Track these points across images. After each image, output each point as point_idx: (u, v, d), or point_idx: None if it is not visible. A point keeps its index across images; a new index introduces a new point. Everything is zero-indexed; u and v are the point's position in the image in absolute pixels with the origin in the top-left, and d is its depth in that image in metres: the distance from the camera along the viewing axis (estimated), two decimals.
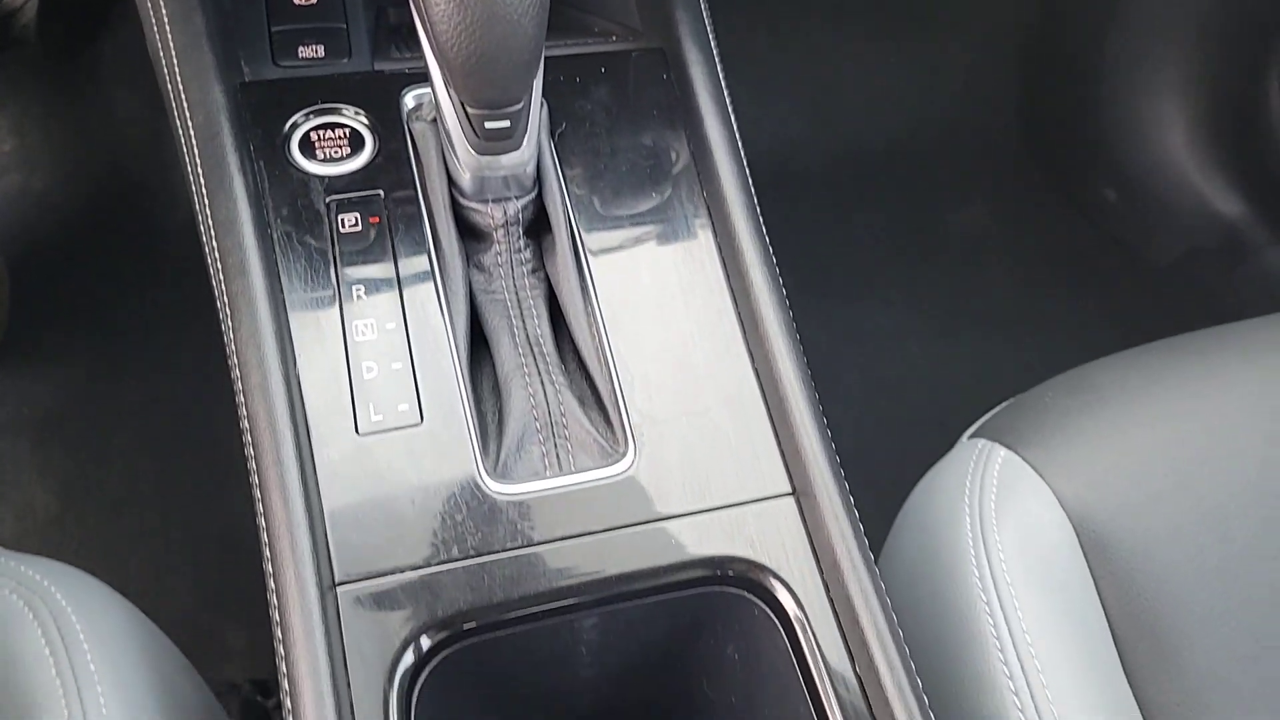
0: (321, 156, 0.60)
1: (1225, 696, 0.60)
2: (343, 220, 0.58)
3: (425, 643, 0.47)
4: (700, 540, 0.51)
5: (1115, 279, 1.51)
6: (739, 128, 0.66)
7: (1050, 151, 1.57)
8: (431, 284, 0.57)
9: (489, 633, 0.49)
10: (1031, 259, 1.52)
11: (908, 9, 1.55)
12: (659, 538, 0.51)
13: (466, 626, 0.48)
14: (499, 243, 0.60)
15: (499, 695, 0.54)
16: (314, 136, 0.60)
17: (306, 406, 0.52)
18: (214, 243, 0.57)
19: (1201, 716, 0.59)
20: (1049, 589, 0.59)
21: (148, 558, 1.18)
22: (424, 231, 0.58)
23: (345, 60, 0.63)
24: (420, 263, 0.58)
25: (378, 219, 0.59)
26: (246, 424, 0.51)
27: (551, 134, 0.63)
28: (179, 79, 0.61)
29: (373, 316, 0.56)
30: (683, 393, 0.56)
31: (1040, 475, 0.65)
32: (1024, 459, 0.66)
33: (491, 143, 0.55)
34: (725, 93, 0.67)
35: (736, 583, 0.52)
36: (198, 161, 0.59)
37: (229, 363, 0.54)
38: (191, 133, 0.60)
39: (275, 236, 0.57)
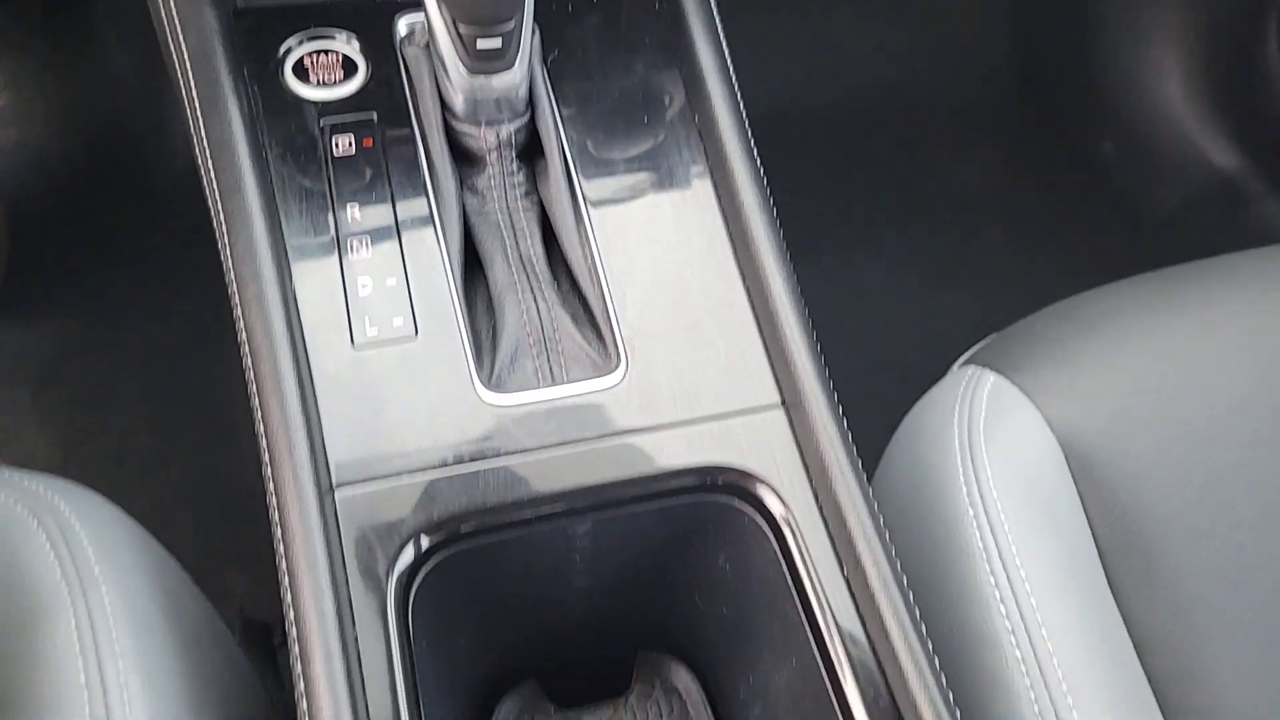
0: (315, 81, 0.60)
1: (1209, 613, 0.61)
2: (336, 143, 0.59)
3: (423, 543, 0.48)
4: (691, 449, 0.52)
5: (1112, 231, 1.51)
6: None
7: (1047, 103, 1.57)
8: (425, 203, 0.58)
9: (484, 536, 0.50)
10: (1027, 211, 1.52)
11: None
12: (650, 446, 0.52)
13: (463, 529, 0.49)
14: (492, 165, 0.61)
15: (494, 602, 0.55)
16: (307, 62, 0.60)
17: (302, 320, 0.53)
18: (209, 163, 0.57)
19: (1185, 631, 0.60)
20: (1035, 505, 0.60)
21: (148, 506, 1.19)
22: (417, 153, 0.59)
23: None
24: (414, 183, 0.58)
25: (371, 142, 0.59)
26: (244, 336, 0.52)
27: (544, 60, 0.63)
28: (173, 5, 0.61)
29: (367, 235, 0.56)
30: (674, 309, 0.56)
31: (1029, 398, 0.66)
32: (1013, 383, 0.66)
33: (483, 63, 0.55)
34: (718, 23, 0.67)
35: (726, 490, 0.52)
36: (192, 85, 0.59)
37: (225, 280, 0.55)
38: (185, 56, 0.60)
39: (270, 158, 0.57)
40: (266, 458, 0.49)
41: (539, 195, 0.61)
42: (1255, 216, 1.47)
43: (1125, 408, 0.66)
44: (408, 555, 0.48)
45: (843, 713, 0.48)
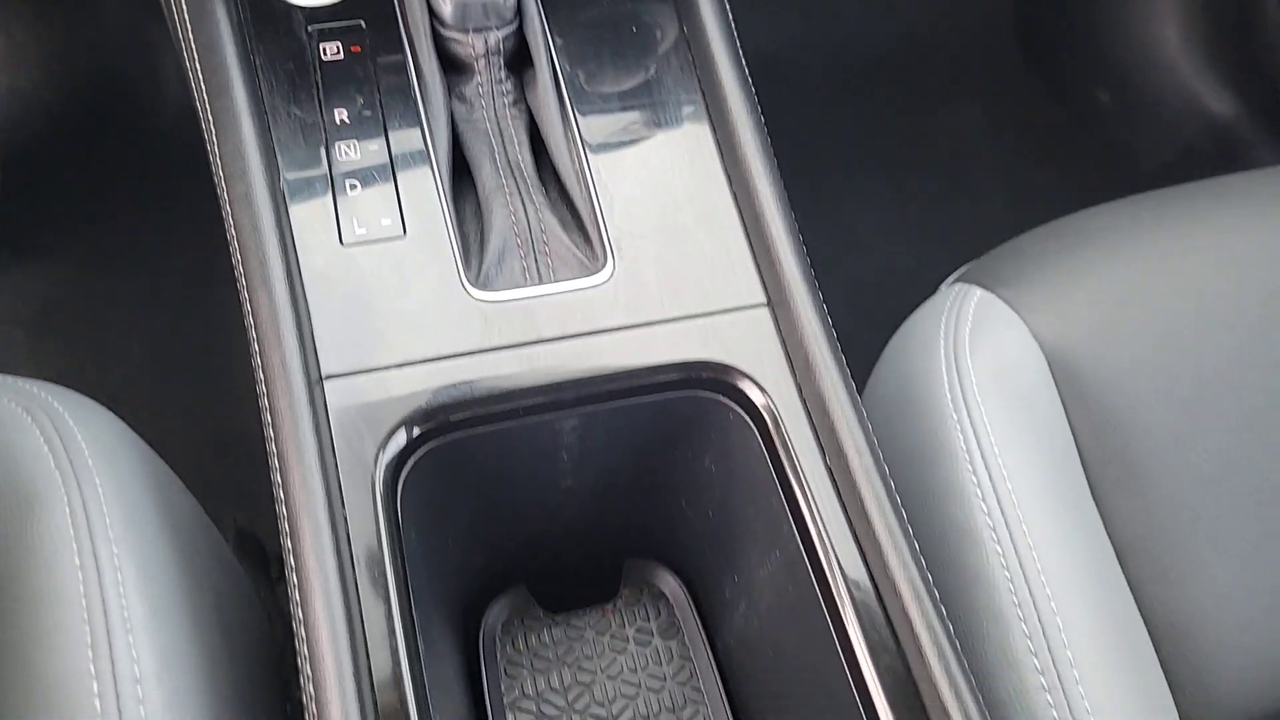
0: None
1: (1189, 517, 0.62)
2: (324, 49, 0.59)
3: (413, 432, 0.49)
4: (676, 345, 0.53)
5: (1107, 180, 1.51)
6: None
7: (1042, 52, 1.56)
8: (413, 108, 0.58)
9: (471, 428, 0.51)
10: (1022, 160, 1.52)
11: None
12: (636, 343, 0.53)
13: (451, 419, 0.50)
14: (480, 73, 0.61)
15: (481, 501, 0.56)
16: None
17: (291, 219, 0.53)
18: (197, 67, 0.57)
19: (1164, 535, 0.61)
20: (1018, 410, 0.61)
21: None
22: (405, 58, 0.59)
23: None
24: (401, 88, 0.58)
25: (359, 48, 0.59)
26: (232, 233, 0.52)
27: None
28: None
29: (355, 138, 0.57)
30: (661, 212, 0.57)
31: (1015, 310, 0.66)
32: (999, 296, 0.67)
33: None
34: None
35: (711, 386, 0.53)
36: None
37: (214, 181, 0.55)
38: None
39: (258, 64, 0.57)
40: (255, 348, 0.50)
41: (527, 104, 0.62)
42: (1251, 164, 1.47)
43: (1110, 319, 0.66)
44: (396, 444, 0.49)
45: (825, 598, 0.49)
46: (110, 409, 1.22)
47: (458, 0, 0.58)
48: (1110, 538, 0.61)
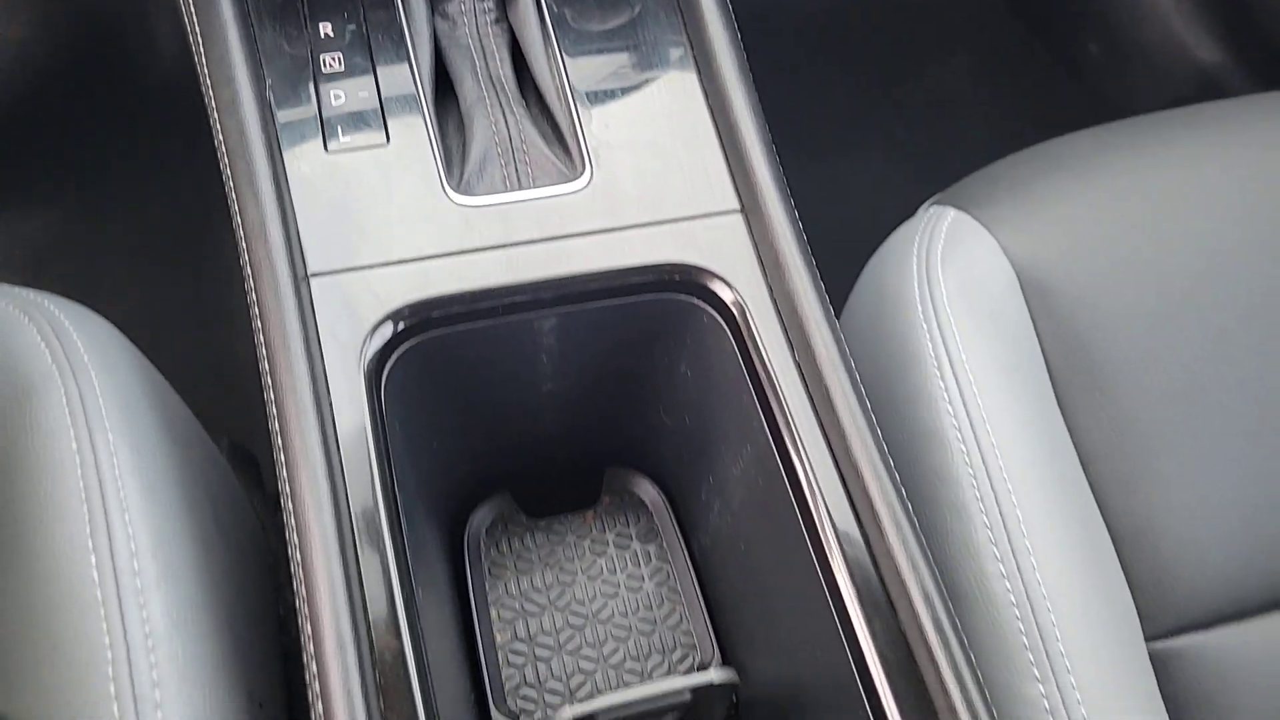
0: None
1: (1152, 425, 0.64)
2: None
3: (399, 325, 0.51)
4: (652, 248, 0.55)
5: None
6: None
7: (1032, 4, 1.56)
8: (397, 22, 0.59)
9: (452, 325, 0.53)
10: (1012, 112, 1.53)
11: None
12: (613, 245, 0.54)
13: (433, 315, 0.52)
14: None
15: (464, 399, 0.58)
16: None
17: (277, 127, 0.55)
18: None
19: (1127, 442, 0.63)
20: (987, 321, 0.63)
21: None
22: None
23: None
24: (385, 3, 0.60)
25: None
26: (220, 138, 0.54)
27: None
28: None
29: (339, 50, 0.58)
30: (638, 123, 0.58)
31: (987, 229, 0.68)
32: (973, 216, 0.69)
33: None
34: None
35: (685, 288, 0.55)
36: None
37: (201, 88, 0.57)
38: None
39: None
40: (243, 247, 0.51)
41: (509, 23, 0.63)
42: None
43: (1081, 239, 0.68)
44: (380, 337, 0.51)
45: (792, 487, 0.51)
46: None
47: None
48: (1075, 445, 0.63)
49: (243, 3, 0.58)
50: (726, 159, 0.58)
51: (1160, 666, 0.59)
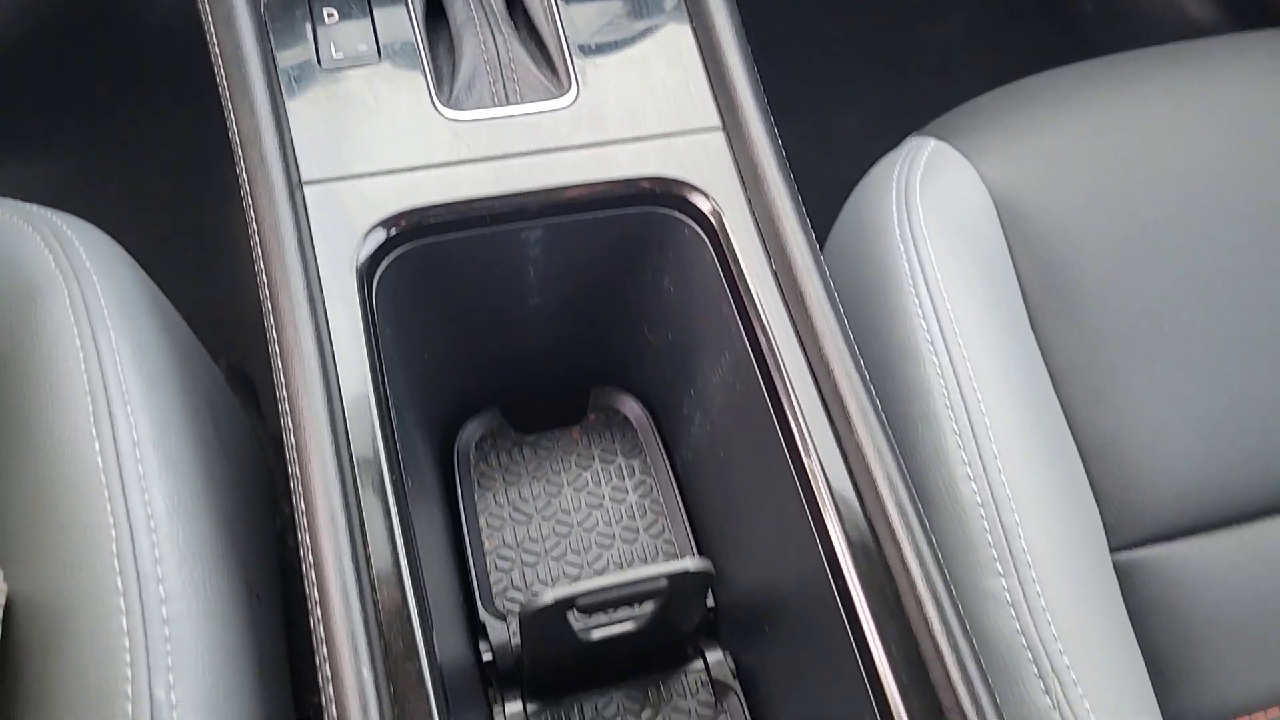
0: None
1: (1121, 344, 0.66)
2: None
3: (391, 231, 0.53)
4: (636, 163, 0.56)
5: None
6: None
7: None
8: None
9: (441, 233, 0.54)
10: (1005, 69, 1.53)
11: None
12: (598, 159, 0.56)
13: (423, 221, 0.54)
14: None
15: (453, 309, 0.60)
16: None
17: (272, 41, 0.57)
18: None
19: (1097, 360, 0.65)
20: (963, 243, 0.65)
21: None
22: None
23: None
24: None
25: None
26: (216, 52, 0.56)
27: None
28: None
29: None
30: (624, 45, 0.60)
31: (966, 158, 0.69)
32: (953, 146, 0.70)
33: None
34: None
35: (667, 201, 0.57)
36: None
37: (199, 9, 0.58)
38: None
39: None
40: (239, 154, 0.53)
41: None
42: None
43: (1058, 168, 0.70)
44: (372, 241, 0.52)
45: (769, 390, 0.53)
46: None
47: None
48: (1046, 363, 0.65)
49: None
50: (709, 79, 0.59)
51: (1124, 576, 0.62)
